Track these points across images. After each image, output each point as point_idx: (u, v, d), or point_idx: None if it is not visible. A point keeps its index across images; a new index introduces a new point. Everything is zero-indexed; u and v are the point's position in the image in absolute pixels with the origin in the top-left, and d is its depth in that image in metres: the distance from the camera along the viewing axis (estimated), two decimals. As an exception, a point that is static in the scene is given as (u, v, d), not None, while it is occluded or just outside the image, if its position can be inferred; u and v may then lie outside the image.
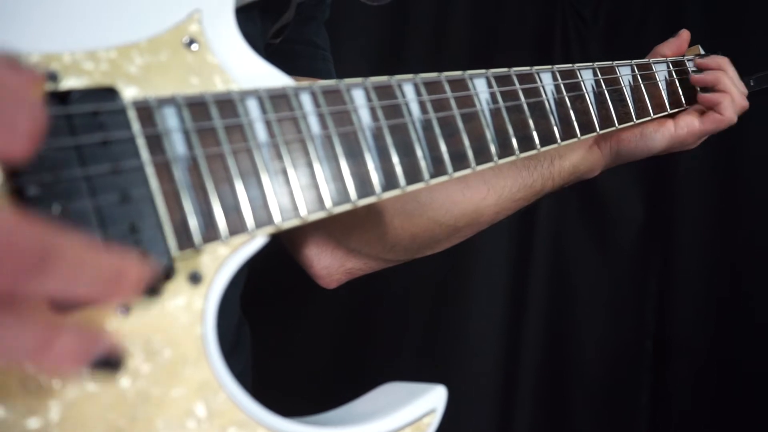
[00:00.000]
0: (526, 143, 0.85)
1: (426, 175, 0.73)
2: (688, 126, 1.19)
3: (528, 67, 0.89)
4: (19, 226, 0.38)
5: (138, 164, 0.54)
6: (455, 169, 0.75)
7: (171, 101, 0.57)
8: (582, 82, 0.98)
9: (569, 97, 0.94)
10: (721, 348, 2.23)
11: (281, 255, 1.12)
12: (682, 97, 1.24)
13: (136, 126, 0.55)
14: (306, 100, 0.66)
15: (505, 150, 0.82)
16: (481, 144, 0.79)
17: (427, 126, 0.74)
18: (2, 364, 0.46)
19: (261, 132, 0.62)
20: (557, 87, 0.93)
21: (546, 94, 0.90)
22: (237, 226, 0.59)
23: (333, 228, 1.07)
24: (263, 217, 0.60)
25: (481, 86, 0.81)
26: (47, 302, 0.46)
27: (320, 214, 0.64)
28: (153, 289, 0.54)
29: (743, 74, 1.32)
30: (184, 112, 0.58)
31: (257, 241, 0.60)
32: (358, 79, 0.70)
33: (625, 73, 1.09)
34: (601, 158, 1.21)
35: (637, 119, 1.09)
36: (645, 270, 2.33)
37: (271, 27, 1.00)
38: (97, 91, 0.54)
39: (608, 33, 2.33)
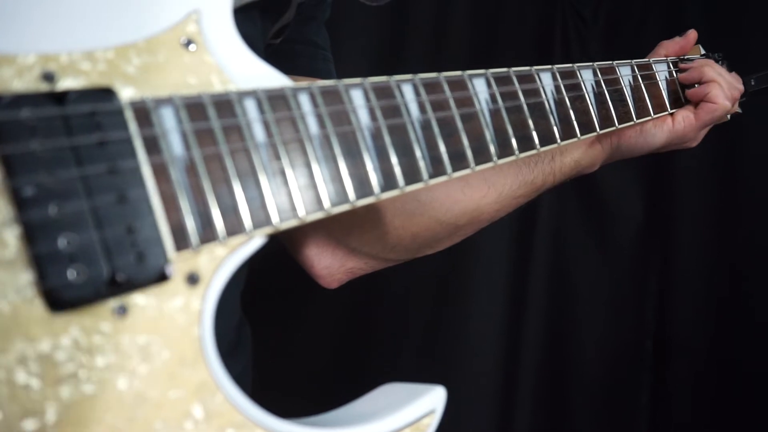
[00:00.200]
0: (525, 143, 0.85)
1: (425, 175, 0.72)
2: (685, 119, 1.20)
3: (528, 67, 0.89)
4: None
5: (135, 165, 0.54)
6: (454, 170, 0.75)
7: (168, 102, 0.57)
8: (582, 82, 0.98)
9: (569, 97, 0.94)
10: (721, 348, 2.23)
11: (281, 255, 1.12)
12: (682, 96, 1.24)
13: (133, 126, 0.55)
14: (304, 100, 0.65)
15: (504, 150, 0.81)
16: (480, 144, 0.79)
17: (425, 126, 0.74)
18: None
19: (259, 132, 0.61)
20: (557, 87, 0.92)
21: (546, 95, 0.90)
22: (235, 227, 0.58)
23: (333, 228, 1.07)
24: (261, 217, 0.60)
25: (480, 86, 0.81)
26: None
27: (318, 215, 0.64)
28: None
29: (743, 74, 1.32)
30: (182, 113, 0.57)
31: (255, 242, 0.60)
32: (357, 80, 0.70)
33: (625, 73, 1.09)
34: (602, 153, 1.21)
35: (637, 119, 1.09)
36: (645, 269, 2.33)
37: (272, 27, 1.00)
38: (94, 92, 0.54)
39: (608, 33, 2.33)
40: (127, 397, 0.53)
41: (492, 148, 0.80)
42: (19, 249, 0.48)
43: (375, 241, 1.09)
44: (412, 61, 2.21)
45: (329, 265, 1.11)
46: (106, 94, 0.55)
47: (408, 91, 0.73)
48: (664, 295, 2.31)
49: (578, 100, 0.96)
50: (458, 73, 0.79)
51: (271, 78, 0.65)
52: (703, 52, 1.31)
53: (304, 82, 0.67)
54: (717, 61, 1.30)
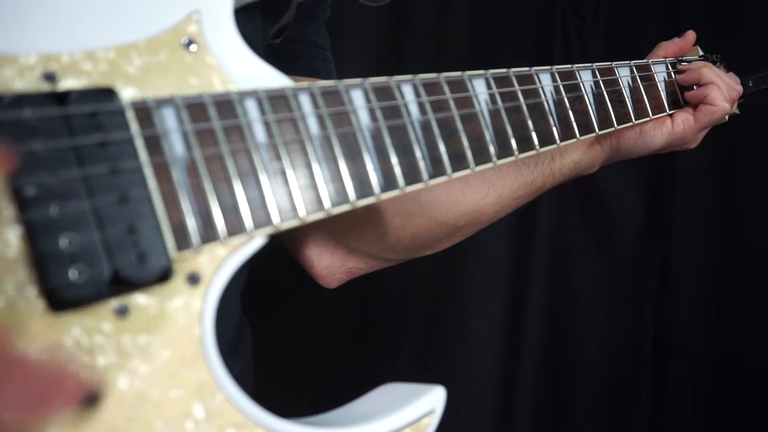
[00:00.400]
0: (525, 144, 0.85)
1: (425, 175, 0.73)
2: (684, 121, 1.20)
3: (527, 68, 0.89)
4: None
5: (136, 165, 0.54)
6: (454, 170, 0.75)
7: (169, 102, 0.57)
8: (581, 83, 0.98)
9: (568, 98, 0.94)
10: (721, 348, 2.23)
11: (282, 255, 1.12)
12: (681, 97, 1.24)
13: (134, 127, 0.55)
14: (305, 101, 0.66)
15: (504, 150, 0.82)
16: (480, 144, 0.79)
17: (425, 127, 0.74)
18: None
19: (260, 133, 0.62)
20: (556, 88, 0.93)
21: (545, 95, 0.90)
22: (235, 227, 0.59)
23: (333, 228, 1.07)
24: (262, 217, 0.60)
25: (480, 87, 0.81)
26: None
27: (319, 215, 0.64)
28: (91, 398, 0.51)
29: (741, 75, 1.32)
30: (183, 113, 0.58)
31: (256, 242, 0.60)
32: (357, 80, 0.70)
33: (624, 74, 1.09)
34: (601, 154, 1.21)
35: (636, 120, 1.10)
36: (644, 270, 2.33)
37: (272, 27, 1.00)
38: (95, 92, 0.54)
39: (608, 33, 2.33)
40: (127, 397, 0.53)
41: (492, 149, 0.80)
42: (21, 249, 0.48)
43: (375, 242, 1.09)
44: (412, 61, 2.21)
45: (329, 264, 1.11)
46: (107, 94, 0.55)
47: (408, 91, 0.73)
48: (663, 296, 2.31)
49: (577, 100, 0.96)
50: (458, 73, 0.79)
51: (272, 78, 0.66)
52: (701, 53, 1.31)
53: (304, 83, 0.67)
54: (715, 63, 1.31)
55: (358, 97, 0.69)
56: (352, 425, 0.66)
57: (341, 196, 0.66)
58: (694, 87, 1.23)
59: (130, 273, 0.52)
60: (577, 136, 0.95)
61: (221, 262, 0.59)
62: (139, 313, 0.54)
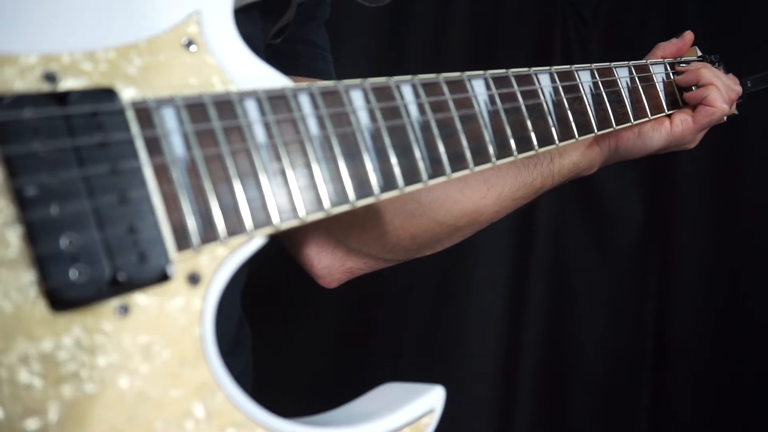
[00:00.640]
0: (524, 144, 0.85)
1: (424, 175, 0.73)
2: (683, 122, 1.21)
3: (526, 69, 0.89)
4: None
5: (136, 165, 0.54)
6: (453, 170, 0.76)
7: (170, 102, 0.58)
8: (580, 84, 0.98)
9: (567, 99, 0.94)
10: (721, 348, 2.23)
11: (281, 255, 1.12)
12: (679, 97, 1.24)
13: (134, 127, 0.55)
14: (305, 101, 0.66)
15: (503, 151, 0.82)
16: (479, 145, 0.79)
17: (425, 127, 0.74)
18: None
19: (259, 133, 0.62)
20: (555, 89, 0.93)
21: (544, 96, 0.90)
22: (235, 227, 0.59)
23: (333, 228, 1.08)
24: (262, 217, 0.60)
25: (479, 88, 0.81)
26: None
27: (318, 215, 0.64)
28: None
29: (740, 75, 1.32)
30: (183, 113, 0.58)
31: (256, 242, 0.61)
32: (357, 81, 0.70)
33: (622, 74, 1.10)
34: (600, 155, 1.21)
35: (634, 120, 1.10)
36: (644, 270, 2.33)
37: (272, 27, 1.00)
38: (95, 92, 0.54)
39: (608, 33, 2.33)
40: (128, 397, 0.53)
41: (491, 149, 0.80)
42: (22, 249, 0.49)
43: (374, 242, 1.10)
44: (412, 62, 2.22)
45: (329, 264, 1.11)
46: (107, 94, 0.55)
47: (407, 92, 0.74)
48: (663, 296, 2.31)
49: (576, 101, 0.97)
50: (457, 74, 0.79)
51: (272, 78, 0.66)
52: (699, 53, 1.31)
53: (304, 83, 0.67)
54: (714, 63, 1.31)
55: (357, 97, 0.69)
56: (352, 425, 0.67)
57: (341, 197, 0.66)
58: (693, 88, 1.23)
59: (130, 273, 0.53)
60: (576, 136, 0.95)
61: (221, 262, 0.59)
62: (139, 312, 0.54)
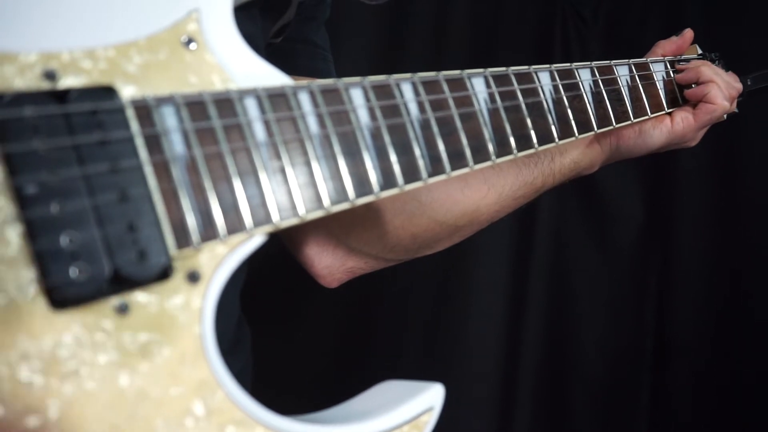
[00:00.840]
0: (524, 142, 0.85)
1: (424, 174, 0.73)
2: (684, 120, 1.20)
3: (526, 67, 0.89)
4: None
5: (136, 163, 0.54)
6: (453, 168, 0.76)
7: (169, 100, 0.58)
8: (580, 82, 0.98)
9: (567, 97, 0.94)
10: (721, 347, 2.23)
11: (281, 254, 1.12)
12: (679, 96, 1.24)
13: (134, 125, 0.55)
14: (304, 99, 0.66)
15: (503, 149, 0.82)
16: (479, 143, 0.79)
17: (425, 125, 0.74)
18: None
19: (259, 131, 0.62)
20: (555, 87, 0.93)
21: (544, 94, 0.90)
22: (235, 225, 0.59)
23: (333, 227, 1.07)
24: (261, 216, 0.60)
25: (479, 86, 0.81)
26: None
27: (318, 213, 0.64)
28: None
29: (740, 74, 1.32)
30: (183, 112, 0.58)
31: (256, 240, 0.61)
32: (357, 79, 0.70)
33: (623, 72, 1.09)
34: (601, 154, 1.21)
35: (634, 118, 1.10)
36: (645, 269, 2.33)
37: (272, 26, 1.00)
38: (95, 90, 0.54)
39: (608, 33, 2.33)
40: (128, 395, 0.53)
41: (491, 147, 0.80)
42: (22, 247, 0.49)
43: (375, 241, 1.10)
44: (412, 61, 2.21)
45: (329, 264, 1.11)
46: (107, 92, 0.55)
47: (407, 90, 0.74)
48: (664, 296, 2.31)
49: (576, 99, 0.97)
50: (457, 72, 0.79)
51: (272, 77, 0.66)
52: (699, 51, 1.31)
53: (304, 81, 0.67)
54: (714, 61, 1.31)
55: (357, 95, 0.69)
56: (351, 422, 0.67)
57: (341, 195, 0.66)
58: (693, 85, 1.23)
59: (130, 271, 0.53)
60: (576, 134, 0.95)
61: (221, 260, 0.59)
62: (139, 311, 0.54)
